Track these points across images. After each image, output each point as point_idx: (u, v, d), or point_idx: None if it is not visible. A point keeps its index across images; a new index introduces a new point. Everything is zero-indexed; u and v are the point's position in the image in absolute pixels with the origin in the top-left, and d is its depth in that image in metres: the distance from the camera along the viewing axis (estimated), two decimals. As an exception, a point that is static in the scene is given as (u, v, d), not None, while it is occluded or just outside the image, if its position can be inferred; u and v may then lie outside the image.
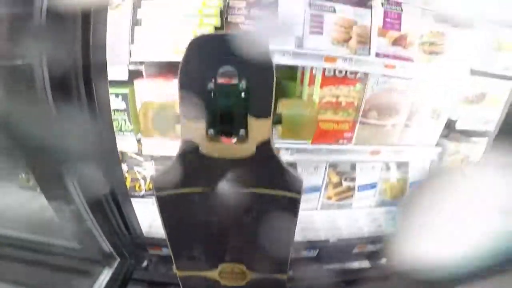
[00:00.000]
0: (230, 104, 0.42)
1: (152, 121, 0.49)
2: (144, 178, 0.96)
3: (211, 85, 0.41)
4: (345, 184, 1.01)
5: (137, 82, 0.82)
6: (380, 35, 0.85)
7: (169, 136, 0.52)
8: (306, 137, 0.76)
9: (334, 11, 0.86)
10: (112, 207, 0.76)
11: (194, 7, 0.81)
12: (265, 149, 0.44)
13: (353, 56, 0.81)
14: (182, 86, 0.42)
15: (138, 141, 0.87)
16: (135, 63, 0.81)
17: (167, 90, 0.80)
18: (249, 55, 0.39)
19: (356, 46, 0.84)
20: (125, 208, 0.80)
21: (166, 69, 0.83)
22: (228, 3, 0.83)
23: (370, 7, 0.88)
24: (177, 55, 0.78)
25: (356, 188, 1.02)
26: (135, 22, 0.83)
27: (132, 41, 0.80)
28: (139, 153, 0.89)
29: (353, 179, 0.99)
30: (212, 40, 0.42)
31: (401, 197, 1.07)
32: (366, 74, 0.85)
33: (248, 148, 0.44)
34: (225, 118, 0.42)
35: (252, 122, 0.42)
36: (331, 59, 0.80)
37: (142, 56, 0.79)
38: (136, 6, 0.84)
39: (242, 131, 0.42)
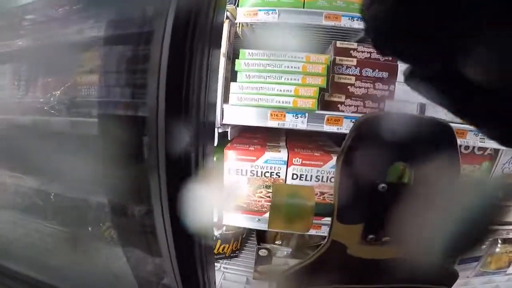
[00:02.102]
0: (403, 208, 0.33)
1: (284, 210, 0.44)
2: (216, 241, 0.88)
3: (382, 186, 0.34)
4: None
5: (228, 151, 0.72)
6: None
7: (297, 230, 0.47)
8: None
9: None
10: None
11: (297, 63, 0.70)
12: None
13: (487, 129, 0.67)
14: (343, 183, 0.35)
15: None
16: (226, 125, 0.72)
17: (260, 163, 0.71)
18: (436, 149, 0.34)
19: (488, 115, 0.70)
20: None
21: (259, 136, 0.73)
22: (334, 59, 0.72)
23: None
24: (273, 122, 0.68)
25: (457, 262, 0.88)
26: (229, 76, 0.74)
27: (226, 100, 0.71)
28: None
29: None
30: (389, 123, 0.35)
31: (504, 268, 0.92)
32: (496, 151, 0.71)
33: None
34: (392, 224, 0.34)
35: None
36: (461, 133, 0.66)
37: (236, 118, 0.70)
38: (230, 54, 0.75)
39: None
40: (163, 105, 0.33)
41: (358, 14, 0.72)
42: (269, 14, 0.71)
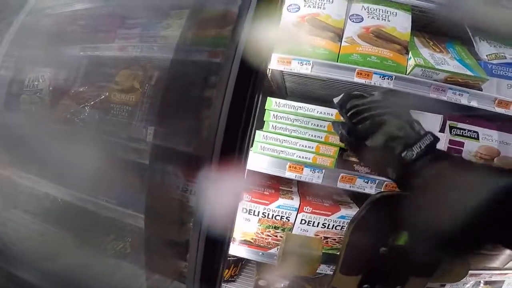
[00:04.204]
0: (397, 265, 0.42)
1: (294, 257, 0.51)
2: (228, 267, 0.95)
3: (383, 249, 0.41)
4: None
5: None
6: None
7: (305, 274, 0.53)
8: None
9: (477, 137, 0.76)
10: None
11: (324, 122, 0.71)
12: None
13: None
14: (350, 245, 0.42)
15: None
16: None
17: (272, 207, 0.75)
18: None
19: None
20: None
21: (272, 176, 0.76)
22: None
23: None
24: (290, 173, 0.71)
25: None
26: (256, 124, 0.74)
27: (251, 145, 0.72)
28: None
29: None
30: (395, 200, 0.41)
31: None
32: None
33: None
34: (385, 276, 0.43)
35: (412, 280, 0.42)
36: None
37: (255, 165, 0.72)
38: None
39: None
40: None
41: (390, 73, 0.72)
42: (302, 64, 0.70)
